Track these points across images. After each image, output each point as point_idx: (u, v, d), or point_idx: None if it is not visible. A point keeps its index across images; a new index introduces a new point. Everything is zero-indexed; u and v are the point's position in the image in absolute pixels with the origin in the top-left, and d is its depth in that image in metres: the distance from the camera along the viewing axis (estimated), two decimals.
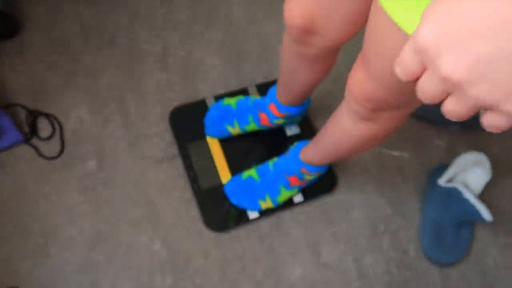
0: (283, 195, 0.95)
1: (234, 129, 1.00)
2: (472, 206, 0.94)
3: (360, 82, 0.55)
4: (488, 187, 1.07)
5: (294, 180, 0.92)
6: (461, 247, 0.99)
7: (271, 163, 0.95)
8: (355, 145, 0.70)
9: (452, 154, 1.11)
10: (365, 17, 0.57)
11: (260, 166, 0.96)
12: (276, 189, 0.94)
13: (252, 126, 0.99)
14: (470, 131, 1.14)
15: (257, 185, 0.94)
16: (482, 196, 1.07)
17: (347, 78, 0.59)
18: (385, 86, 0.52)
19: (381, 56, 0.48)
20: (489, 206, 1.06)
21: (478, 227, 1.04)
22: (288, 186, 0.93)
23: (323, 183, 1.01)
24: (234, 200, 0.95)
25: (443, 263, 0.97)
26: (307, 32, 0.63)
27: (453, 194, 0.97)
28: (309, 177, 0.91)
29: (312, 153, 0.85)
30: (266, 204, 0.95)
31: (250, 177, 0.96)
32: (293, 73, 0.78)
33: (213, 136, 1.02)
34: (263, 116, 0.96)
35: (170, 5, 1.20)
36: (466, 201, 0.94)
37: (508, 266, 1.01)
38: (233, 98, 1.03)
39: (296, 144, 0.90)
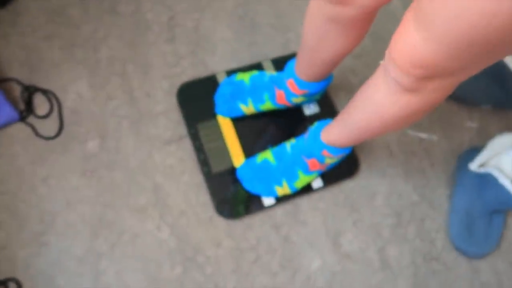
0: (302, 181, 0.87)
1: (247, 108, 0.91)
2: (508, 193, 0.86)
3: (412, 44, 0.46)
4: None
5: (313, 164, 0.84)
6: (492, 238, 0.91)
7: (288, 145, 0.86)
8: (391, 121, 0.61)
9: (484, 137, 1.02)
10: None
11: (276, 148, 0.88)
12: (294, 173, 0.86)
13: (267, 105, 0.90)
14: (504, 109, 1.05)
15: (273, 169, 0.86)
16: None
17: (390, 41, 0.49)
18: (448, 46, 0.43)
19: (447, 5, 0.39)
20: None
21: (510, 215, 0.97)
22: (307, 170, 0.85)
23: (343, 167, 0.93)
24: (247, 186, 0.87)
25: (472, 255, 0.90)
26: None
27: (487, 180, 0.89)
28: (330, 160, 0.82)
29: (337, 133, 0.76)
30: (283, 190, 0.87)
31: (265, 159, 0.88)
32: (321, 42, 0.68)
33: (224, 115, 0.93)
34: (280, 93, 0.87)
35: None
36: (501, 187, 0.86)
37: None
38: (246, 73, 0.94)
39: (316, 124, 0.82)
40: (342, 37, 0.65)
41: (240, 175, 0.88)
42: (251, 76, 0.92)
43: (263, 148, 0.92)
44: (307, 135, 0.83)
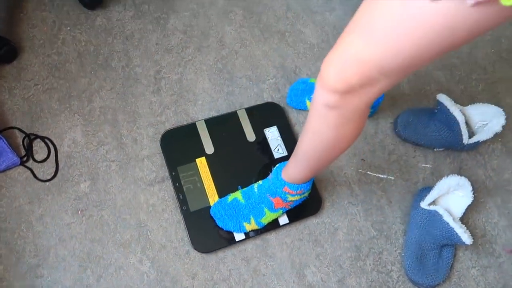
0: (268, 217, 0.97)
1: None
2: (451, 229, 0.96)
3: (354, 51, 0.58)
4: (471, 209, 1.09)
5: (278, 202, 0.95)
6: (442, 269, 1.01)
7: (256, 186, 0.98)
8: (331, 144, 0.73)
9: (437, 177, 1.13)
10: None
11: (245, 189, 0.99)
12: (261, 210, 0.96)
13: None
14: (456, 151, 1.17)
15: (242, 207, 0.97)
16: (465, 218, 1.09)
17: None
18: (386, 45, 0.55)
19: (382, 15, 0.54)
20: (472, 228, 1.09)
21: (460, 249, 1.07)
22: (272, 208, 0.96)
23: (308, 205, 1.04)
24: (219, 223, 0.98)
25: (424, 285, 1.00)
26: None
27: (434, 217, 1.00)
28: (292, 197, 0.93)
29: (292, 167, 0.87)
30: (251, 226, 0.98)
31: (235, 199, 0.98)
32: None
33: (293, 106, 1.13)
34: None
35: (164, 30, 1.24)
36: (445, 224, 0.97)
37: (490, 287, 1.03)
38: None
39: (278, 165, 0.93)
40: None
41: (213, 213, 0.99)
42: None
43: (235, 188, 1.03)
44: (270, 176, 0.94)
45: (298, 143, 0.81)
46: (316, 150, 0.77)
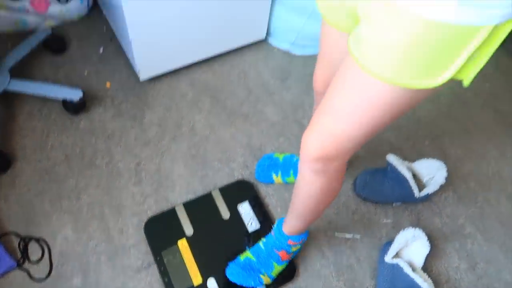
0: (276, 270, 1.08)
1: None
2: (412, 280, 1.06)
3: (326, 130, 0.73)
4: (432, 256, 1.20)
5: (283, 255, 1.07)
6: None
7: (261, 243, 1.09)
8: (319, 199, 0.88)
9: (398, 230, 1.24)
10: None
11: (253, 248, 1.10)
12: (271, 265, 1.07)
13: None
14: (412, 203, 1.29)
15: (254, 264, 1.08)
16: (429, 266, 1.19)
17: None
18: (350, 121, 0.70)
19: (341, 100, 0.70)
20: (436, 275, 1.19)
21: None
22: (279, 261, 1.07)
23: (284, 272, 1.13)
24: (238, 281, 1.06)
25: None
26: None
27: (397, 270, 1.10)
28: (294, 248, 1.06)
29: (292, 221, 1.01)
30: (265, 278, 1.07)
31: (247, 257, 1.09)
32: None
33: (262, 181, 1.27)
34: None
35: (141, 125, 1.40)
36: (406, 276, 1.07)
37: None
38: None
39: (277, 221, 1.06)
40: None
41: (229, 274, 1.08)
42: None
43: (217, 263, 1.13)
44: (273, 232, 1.06)
45: (291, 205, 0.96)
46: (310, 207, 0.92)
